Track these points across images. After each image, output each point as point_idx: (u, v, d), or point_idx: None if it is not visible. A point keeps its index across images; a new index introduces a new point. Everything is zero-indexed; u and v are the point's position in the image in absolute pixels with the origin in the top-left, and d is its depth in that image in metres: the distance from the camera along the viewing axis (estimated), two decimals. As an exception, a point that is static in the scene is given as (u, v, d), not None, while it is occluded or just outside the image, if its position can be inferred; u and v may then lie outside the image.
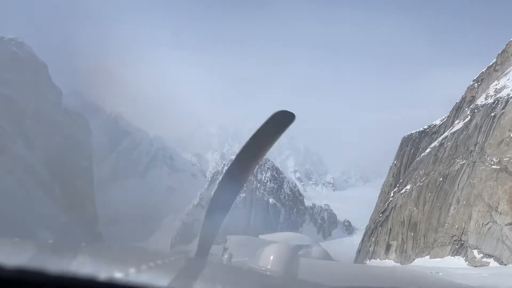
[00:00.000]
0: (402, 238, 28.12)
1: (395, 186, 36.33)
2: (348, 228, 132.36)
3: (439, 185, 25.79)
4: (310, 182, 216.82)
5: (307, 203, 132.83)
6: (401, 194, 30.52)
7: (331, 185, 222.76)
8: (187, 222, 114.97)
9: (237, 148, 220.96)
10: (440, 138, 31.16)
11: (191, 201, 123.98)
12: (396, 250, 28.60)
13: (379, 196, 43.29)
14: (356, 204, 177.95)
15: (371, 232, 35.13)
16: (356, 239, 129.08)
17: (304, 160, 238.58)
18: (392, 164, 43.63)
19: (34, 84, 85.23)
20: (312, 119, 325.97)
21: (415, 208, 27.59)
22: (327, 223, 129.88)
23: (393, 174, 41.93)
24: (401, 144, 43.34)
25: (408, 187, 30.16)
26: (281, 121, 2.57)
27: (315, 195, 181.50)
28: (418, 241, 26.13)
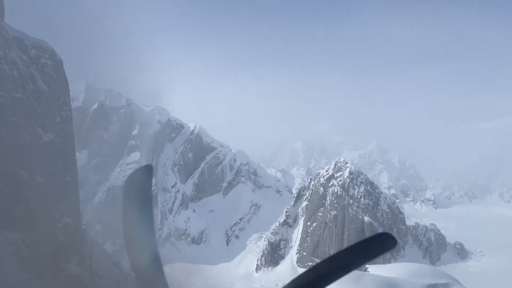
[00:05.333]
0: None
1: None
2: (461, 252, 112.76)
3: None
4: (407, 199, 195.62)
5: (408, 222, 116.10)
6: None
7: (431, 202, 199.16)
8: (273, 241, 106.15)
9: (323, 163, 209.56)
10: None
11: (277, 219, 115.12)
12: None
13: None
14: (465, 224, 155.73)
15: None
16: (472, 265, 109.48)
17: (399, 175, 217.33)
18: None
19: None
20: (406, 131, 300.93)
21: None
22: (435, 246, 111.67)
23: None
24: None
25: None
26: (380, 244, 2.45)
27: (413, 214, 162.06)
28: None
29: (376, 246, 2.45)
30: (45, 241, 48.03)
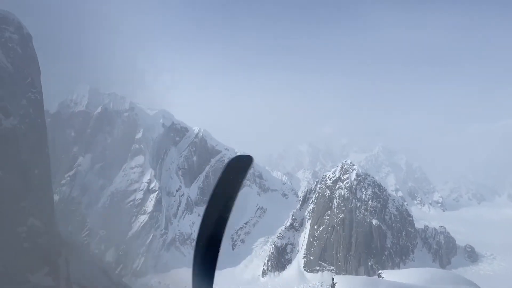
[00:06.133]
0: None
1: None
2: (472, 255, 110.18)
3: None
4: (415, 202, 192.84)
5: (417, 225, 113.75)
6: None
7: (439, 204, 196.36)
8: (279, 245, 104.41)
9: (329, 166, 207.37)
10: None
11: (283, 222, 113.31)
12: None
13: None
14: (474, 227, 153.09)
15: None
16: (483, 268, 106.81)
17: (406, 177, 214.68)
18: None
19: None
20: (413, 133, 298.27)
21: None
22: (445, 249, 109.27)
23: None
24: None
25: None
26: (239, 167, 2.68)
27: (422, 216, 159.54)
28: None
29: (236, 170, 2.66)
30: (3, 248, 39.85)
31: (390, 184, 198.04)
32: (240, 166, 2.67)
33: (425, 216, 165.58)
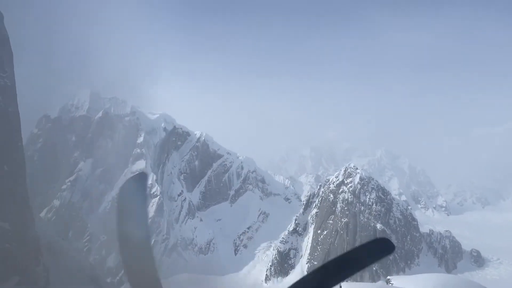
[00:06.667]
0: None
1: None
2: (478, 260, 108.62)
3: None
4: (419, 206, 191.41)
5: (422, 229, 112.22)
6: None
7: (443, 209, 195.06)
8: (282, 250, 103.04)
9: (332, 170, 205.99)
10: None
11: (286, 227, 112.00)
12: None
13: None
14: (479, 231, 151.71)
15: None
16: (490, 273, 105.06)
17: (409, 181, 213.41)
18: None
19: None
20: (415, 135, 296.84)
21: None
22: (450, 253, 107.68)
23: None
24: None
25: None
26: (379, 249, 2.56)
27: (426, 221, 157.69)
28: None
29: (375, 251, 2.56)
30: None
31: (394, 188, 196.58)
32: (378, 249, 2.56)
33: (429, 220, 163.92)
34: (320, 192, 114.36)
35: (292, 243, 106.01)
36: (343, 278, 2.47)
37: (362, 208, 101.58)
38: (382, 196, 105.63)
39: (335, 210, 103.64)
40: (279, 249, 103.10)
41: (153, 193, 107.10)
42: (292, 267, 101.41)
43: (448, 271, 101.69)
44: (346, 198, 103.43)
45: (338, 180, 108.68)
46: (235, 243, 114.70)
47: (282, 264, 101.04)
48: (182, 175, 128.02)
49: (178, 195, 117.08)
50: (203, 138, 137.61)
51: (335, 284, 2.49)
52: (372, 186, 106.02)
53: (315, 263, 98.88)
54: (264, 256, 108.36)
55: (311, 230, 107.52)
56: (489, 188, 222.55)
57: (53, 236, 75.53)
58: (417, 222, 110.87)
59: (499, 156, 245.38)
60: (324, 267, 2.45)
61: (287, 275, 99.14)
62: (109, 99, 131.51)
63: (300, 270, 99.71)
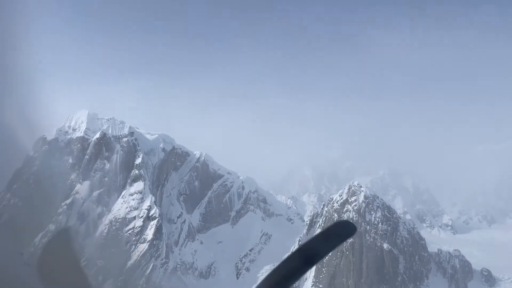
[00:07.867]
0: None
1: None
2: (489, 279, 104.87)
3: None
4: (424, 225, 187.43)
5: (430, 249, 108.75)
6: None
7: (449, 227, 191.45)
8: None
9: (335, 189, 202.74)
10: None
11: (289, 248, 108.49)
12: None
13: None
14: (487, 250, 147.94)
15: None
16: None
17: (414, 200, 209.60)
18: None
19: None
20: (418, 154, 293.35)
21: None
22: (460, 273, 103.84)
23: None
24: None
25: None
26: (341, 232, 2.71)
27: (432, 240, 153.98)
28: None
29: (337, 234, 2.76)
30: None
31: (398, 207, 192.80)
32: (342, 232, 2.75)
33: (435, 240, 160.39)
34: (324, 212, 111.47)
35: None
36: (311, 264, 2.62)
37: (368, 227, 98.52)
38: (388, 215, 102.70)
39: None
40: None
41: (152, 215, 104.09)
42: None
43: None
44: (351, 217, 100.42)
45: (342, 198, 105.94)
46: (237, 266, 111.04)
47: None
48: (182, 196, 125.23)
49: (178, 217, 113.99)
50: (203, 158, 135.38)
51: (305, 271, 2.66)
52: (377, 205, 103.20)
53: (320, 286, 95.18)
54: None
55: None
56: (495, 206, 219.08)
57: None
58: (424, 241, 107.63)
59: (503, 173, 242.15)
60: (291, 257, 2.60)
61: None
62: (107, 120, 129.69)
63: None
